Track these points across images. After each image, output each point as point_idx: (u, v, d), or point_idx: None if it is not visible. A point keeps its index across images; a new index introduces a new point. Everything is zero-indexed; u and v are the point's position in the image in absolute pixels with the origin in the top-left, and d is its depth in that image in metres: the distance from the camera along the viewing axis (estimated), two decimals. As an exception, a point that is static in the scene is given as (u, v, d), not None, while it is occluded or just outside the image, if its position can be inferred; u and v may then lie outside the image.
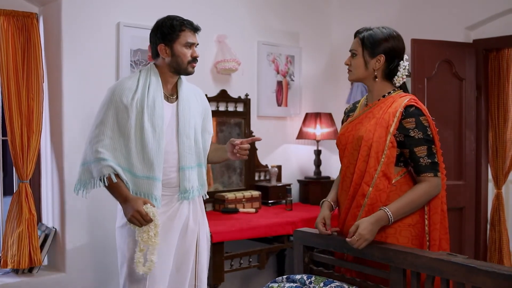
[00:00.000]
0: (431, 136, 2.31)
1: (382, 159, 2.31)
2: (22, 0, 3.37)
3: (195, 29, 2.61)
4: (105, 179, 2.43)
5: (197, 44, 2.64)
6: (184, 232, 2.62)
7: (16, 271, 3.32)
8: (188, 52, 2.57)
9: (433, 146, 2.31)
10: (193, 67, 2.61)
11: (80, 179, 2.50)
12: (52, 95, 3.45)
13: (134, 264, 2.42)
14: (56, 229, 3.43)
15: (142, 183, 2.48)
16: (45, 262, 3.50)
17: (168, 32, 2.56)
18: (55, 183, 3.44)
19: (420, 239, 2.35)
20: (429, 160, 2.29)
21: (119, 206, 2.55)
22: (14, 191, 3.33)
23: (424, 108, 2.34)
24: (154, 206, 2.44)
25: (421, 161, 2.30)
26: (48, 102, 3.47)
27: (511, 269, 1.88)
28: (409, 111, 2.31)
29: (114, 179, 2.43)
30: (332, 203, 2.57)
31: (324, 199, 2.59)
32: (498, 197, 4.15)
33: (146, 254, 2.41)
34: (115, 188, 2.46)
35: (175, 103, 2.63)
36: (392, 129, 2.31)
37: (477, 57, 4.10)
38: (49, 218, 3.53)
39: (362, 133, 2.38)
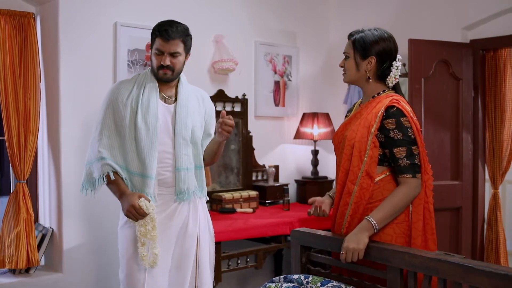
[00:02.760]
0: (412, 137, 2.33)
1: (365, 159, 2.35)
2: (19, 0, 3.36)
3: (166, 38, 2.55)
4: (104, 177, 2.51)
5: (175, 53, 2.58)
6: (183, 232, 2.64)
7: (13, 271, 3.31)
8: (156, 59, 2.59)
9: (413, 147, 2.33)
10: (165, 74, 2.59)
11: (84, 179, 2.59)
12: (49, 95, 3.44)
13: (139, 259, 2.48)
14: (53, 229, 3.42)
15: (136, 181, 2.55)
16: (42, 262, 3.50)
17: (150, 37, 2.65)
18: (52, 183, 3.44)
19: (405, 237, 2.37)
20: (408, 162, 2.31)
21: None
22: (11, 191, 3.33)
23: (405, 108, 2.36)
24: (149, 201, 2.49)
25: (400, 162, 2.33)
26: (45, 102, 3.46)
27: (508, 269, 1.89)
28: (389, 112, 2.34)
29: (112, 177, 2.51)
30: (333, 195, 2.62)
31: (328, 192, 2.69)
32: (495, 197, 4.15)
33: (148, 249, 2.46)
34: (113, 185, 2.54)
35: (173, 105, 2.65)
36: (373, 129, 2.35)
37: (474, 57, 4.11)
38: (46, 218, 3.52)
39: (347, 133, 2.44)
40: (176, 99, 2.67)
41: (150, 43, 2.66)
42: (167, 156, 2.60)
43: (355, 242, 2.26)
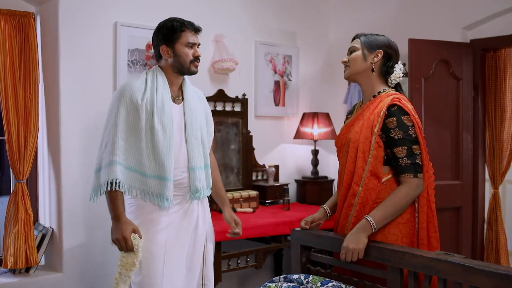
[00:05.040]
0: (413, 136, 2.31)
1: (369, 159, 2.34)
2: (19, 0, 3.36)
3: (196, 29, 2.63)
4: (116, 182, 2.40)
5: (199, 44, 2.66)
6: (194, 232, 2.65)
7: (13, 271, 3.31)
8: (189, 52, 2.59)
9: (414, 146, 2.31)
10: (196, 66, 2.64)
11: (93, 187, 2.50)
12: (49, 95, 3.44)
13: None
14: (53, 229, 3.42)
15: (153, 183, 2.49)
16: (42, 262, 3.50)
17: (169, 33, 2.58)
18: (52, 183, 3.43)
19: (411, 237, 2.37)
20: (409, 161, 2.30)
21: (130, 209, 2.56)
22: (11, 191, 3.33)
23: (407, 107, 2.34)
24: (141, 238, 2.44)
25: (401, 161, 2.31)
26: (45, 102, 3.46)
27: (508, 269, 1.89)
28: (391, 111, 2.33)
29: (121, 188, 2.41)
30: (328, 210, 2.66)
31: (323, 205, 2.69)
32: (495, 197, 4.15)
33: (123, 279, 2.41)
34: (114, 199, 2.43)
35: (181, 104, 2.65)
36: (376, 129, 2.34)
37: (474, 57, 4.11)
38: (46, 218, 3.52)
39: (351, 135, 2.43)
40: (182, 99, 2.67)
41: (165, 41, 2.59)
42: (182, 157, 2.58)
43: (355, 242, 2.27)
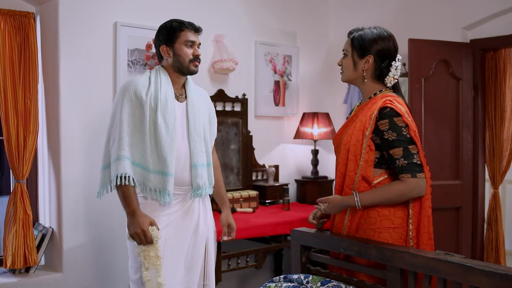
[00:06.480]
0: (408, 136, 2.27)
1: (361, 163, 2.31)
2: (19, 0, 3.36)
3: (196, 29, 2.65)
4: (126, 176, 2.41)
5: (199, 44, 2.67)
6: (195, 231, 2.65)
7: (13, 271, 3.31)
8: (189, 51, 2.61)
9: (410, 146, 2.26)
10: (196, 66, 2.65)
11: (101, 183, 2.51)
12: (49, 95, 3.44)
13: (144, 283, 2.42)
14: (53, 229, 3.42)
15: (155, 179, 2.50)
16: (42, 262, 3.50)
17: (169, 33, 2.61)
18: (52, 183, 3.43)
19: (403, 242, 2.34)
20: (406, 161, 2.26)
21: None
22: (11, 191, 3.33)
23: (399, 108, 2.28)
24: (158, 229, 2.45)
25: (397, 162, 2.27)
26: (45, 102, 3.46)
27: (507, 269, 1.89)
28: (382, 113, 2.28)
29: (132, 182, 2.43)
30: None
31: None
32: (495, 197, 4.16)
33: (153, 276, 2.40)
34: (127, 193, 2.45)
35: (184, 103, 2.67)
36: (368, 132, 2.30)
37: (474, 57, 4.11)
38: (46, 218, 3.52)
39: (343, 137, 2.41)
40: (185, 97, 2.68)
41: (165, 41, 2.62)
42: (184, 154, 2.60)
43: (334, 210, 2.40)
